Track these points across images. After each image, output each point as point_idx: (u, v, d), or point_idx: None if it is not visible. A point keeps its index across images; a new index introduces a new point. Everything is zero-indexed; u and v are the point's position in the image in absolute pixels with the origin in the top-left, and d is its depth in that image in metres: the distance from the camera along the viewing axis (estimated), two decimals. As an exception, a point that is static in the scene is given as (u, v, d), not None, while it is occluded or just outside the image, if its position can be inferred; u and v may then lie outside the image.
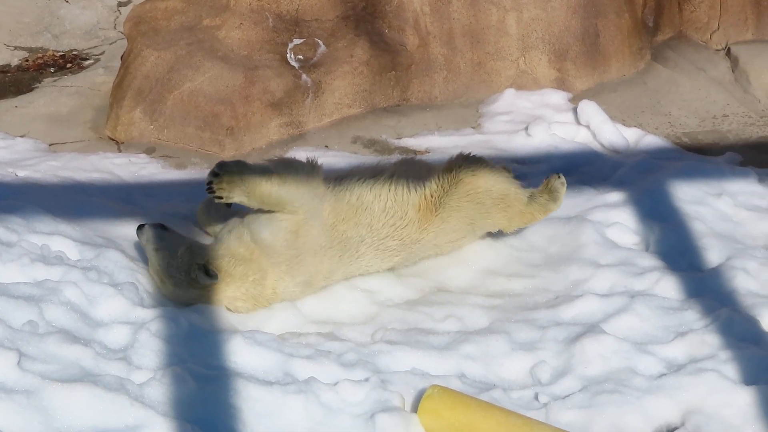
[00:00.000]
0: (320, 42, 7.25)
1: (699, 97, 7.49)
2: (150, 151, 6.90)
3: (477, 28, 7.45)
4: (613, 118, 7.01)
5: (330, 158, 6.55)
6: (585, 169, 6.48)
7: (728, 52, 7.87)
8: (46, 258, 5.01)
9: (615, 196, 5.97)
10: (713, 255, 5.49)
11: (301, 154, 6.52)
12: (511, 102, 7.32)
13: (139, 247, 5.22)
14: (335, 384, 4.43)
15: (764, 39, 7.99)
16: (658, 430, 4.41)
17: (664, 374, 4.61)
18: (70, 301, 4.71)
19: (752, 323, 4.88)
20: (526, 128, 6.93)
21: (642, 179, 6.16)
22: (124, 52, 7.55)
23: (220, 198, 4.94)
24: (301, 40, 7.25)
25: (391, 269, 5.36)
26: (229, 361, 4.57)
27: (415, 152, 6.84)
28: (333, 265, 5.15)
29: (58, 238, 5.17)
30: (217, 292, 4.99)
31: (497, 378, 4.69)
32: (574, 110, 7.09)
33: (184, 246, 5.03)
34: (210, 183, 4.94)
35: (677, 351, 4.75)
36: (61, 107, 7.53)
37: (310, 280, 5.12)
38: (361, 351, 4.73)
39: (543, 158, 6.66)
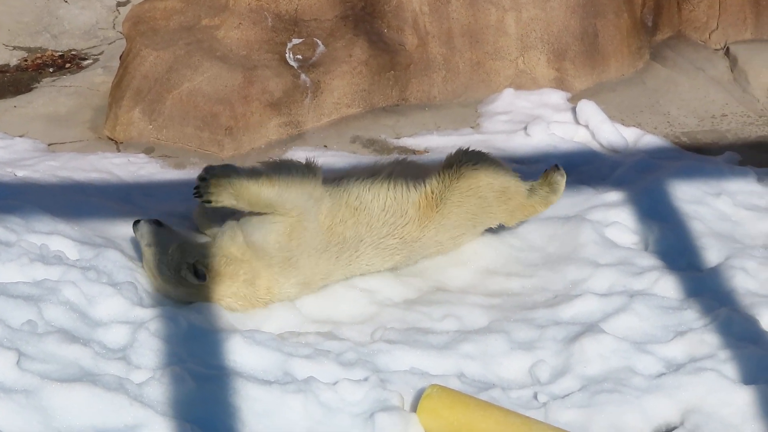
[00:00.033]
0: (319, 42, 7.25)
1: (698, 97, 7.49)
2: (149, 150, 6.90)
3: (476, 27, 7.45)
4: (612, 117, 7.01)
5: (329, 158, 6.55)
6: (584, 169, 6.48)
7: (727, 52, 7.87)
8: (45, 258, 5.01)
9: (614, 195, 5.97)
10: (712, 254, 5.49)
11: (300, 154, 6.53)
12: (510, 102, 7.32)
13: (138, 247, 5.22)
14: (334, 383, 4.43)
15: (763, 38, 7.99)
16: (657, 429, 4.41)
17: (663, 374, 4.61)
18: (69, 301, 4.71)
19: (751, 322, 4.88)
20: (525, 128, 6.93)
21: (641, 179, 6.16)
22: (123, 52, 7.55)
23: (209, 202, 4.95)
24: (300, 40, 7.25)
25: (393, 268, 5.36)
26: (229, 360, 4.56)
27: (414, 152, 6.85)
28: (330, 266, 5.14)
29: (57, 238, 5.17)
30: (206, 291, 5.00)
31: (496, 377, 4.69)
32: (573, 110, 7.09)
33: (175, 243, 5.04)
34: (197, 187, 4.96)
35: (676, 350, 4.75)
36: (60, 107, 7.53)
37: (306, 280, 5.11)
38: (360, 350, 4.73)
39: (542, 158, 6.65)
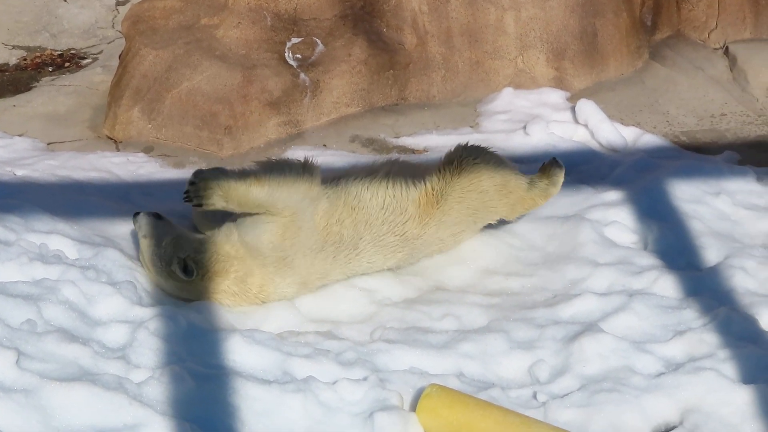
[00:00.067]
0: (318, 41, 7.25)
1: (697, 96, 7.49)
2: (148, 150, 6.90)
3: (475, 27, 7.45)
4: (611, 117, 7.01)
5: (328, 157, 6.54)
6: (583, 168, 6.48)
7: (726, 51, 7.87)
8: (45, 257, 5.01)
9: (613, 194, 5.97)
10: (711, 254, 5.49)
11: (299, 153, 6.52)
12: (509, 101, 7.32)
13: (138, 245, 5.23)
14: (334, 383, 4.43)
15: (762, 38, 7.99)
16: (656, 428, 4.41)
17: (663, 373, 4.61)
18: (68, 300, 4.71)
19: (750, 322, 4.88)
20: (524, 127, 6.93)
21: (640, 178, 6.16)
22: (122, 51, 7.54)
23: (200, 206, 4.97)
24: (300, 39, 7.25)
25: (396, 267, 5.35)
26: (228, 359, 4.56)
27: (413, 151, 6.85)
28: (327, 266, 5.14)
29: (57, 237, 5.17)
30: (196, 286, 5.01)
31: (495, 377, 4.69)
32: (572, 109, 7.09)
33: (170, 236, 5.05)
34: (187, 191, 4.97)
35: (676, 350, 4.75)
36: (59, 106, 7.52)
37: (303, 280, 5.11)
38: (359, 350, 4.73)
39: (541, 157, 6.62)
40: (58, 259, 5.02)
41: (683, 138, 7.07)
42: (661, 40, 7.91)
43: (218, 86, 6.97)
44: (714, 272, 5.31)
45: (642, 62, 7.74)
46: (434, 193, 5.29)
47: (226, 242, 5.04)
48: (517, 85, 7.44)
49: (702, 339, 4.75)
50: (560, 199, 5.81)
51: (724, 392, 4.43)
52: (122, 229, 5.47)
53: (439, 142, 6.91)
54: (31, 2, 8.94)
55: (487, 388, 4.55)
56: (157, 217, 5.15)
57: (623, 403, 4.43)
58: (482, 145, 5.54)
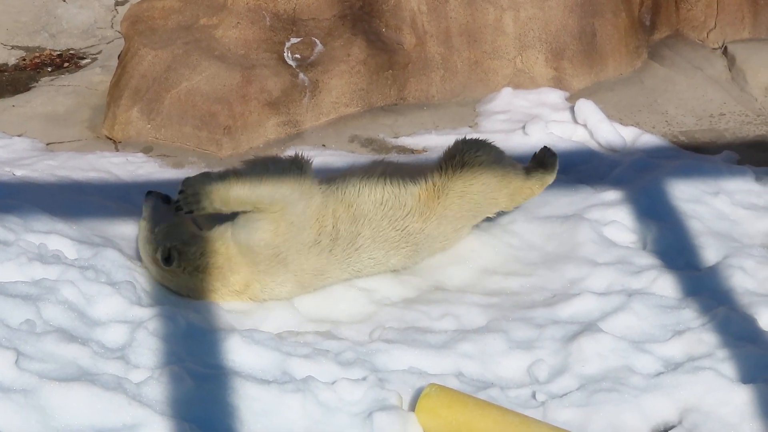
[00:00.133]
0: (317, 41, 7.25)
1: (696, 96, 7.50)
2: (147, 150, 6.90)
3: (474, 27, 7.45)
4: (610, 116, 7.01)
5: (327, 157, 6.55)
6: (582, 168, 6.48)
7: (725, 51, 7.88)
8: (44, 257, 5.01)
9: (612, 194, 5.97)
10: (710, 253, 5.50)
11: (298, 153, 6.52)
12: (508, 101, 7.32)
13: (136, 246, 5.23)
14: (333, 383, 4.43)
15: (761, 37, 7.99)
16: (655, 428, 4.41)
17: (662, 373, 4.61)
18: (67, 300, 4.71)
19: (749, 322, 4.89)
20: (523, 127, 6.93)
21: (639, 178, 6.16)
22: (122, 52, 7.54)
23: (191, 212, 4.99)
24: (299, 39, 7.25)
25: (401, 267, 5.34)
26: (227, 359, 4.56)
27: (412, 151, 6.85)
28: (323, 262, 5.13)
29: (56, 237, 5.17)
30: (177, 277, 5.04)
31: (494, 376, 4.69)
32: (571, 109, 7.09)
33: (165, 223, 5.06)
34: (177, 201, 4.99)
35: (675, 349, 4.75)
36: (59, 106, 7.52)
37: (298, 278, 5.10)
38: (358, 350, 4.73)
39: (540, 157, 6.65)
40: (57, 259, 5.02)
41: (682, 138, 7.07)
42: (659, 40, 7.92)
43: (217, 86, 6.97)
44: (713, 272, 5.31)
45: (641, 62, 7.74)
46: (435, 188, 5.30)
47: (218, 239, 5.06)
48: (516, 85, 7.44)
49: (701, 339, 4.76)
50: (559, 199, 5.81)
51: (723, 392, 4.43)
52: (121, 229, 5.48)
53: (438, 142, 6.90)
54: (30, 2, 8.94)
55: (486, 387, 4.55)
56: (165, 200, 5.18)
57: (622, 403, 4.43)
58: (480, 138, 5.57)
